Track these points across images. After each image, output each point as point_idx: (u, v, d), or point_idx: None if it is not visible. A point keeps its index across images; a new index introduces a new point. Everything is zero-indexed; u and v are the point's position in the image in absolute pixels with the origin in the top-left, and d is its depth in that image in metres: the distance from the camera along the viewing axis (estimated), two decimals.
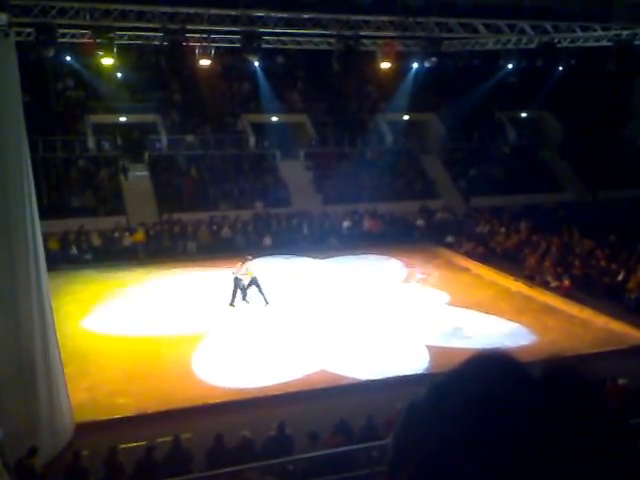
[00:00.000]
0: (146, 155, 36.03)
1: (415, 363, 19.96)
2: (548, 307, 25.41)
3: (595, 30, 27.48)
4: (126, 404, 17.42)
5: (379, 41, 30.44)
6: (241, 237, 32.32)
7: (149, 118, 37.45)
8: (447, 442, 0.97)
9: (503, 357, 1.06)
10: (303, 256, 30.98)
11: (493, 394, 0.99)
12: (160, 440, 14.48)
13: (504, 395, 0.99)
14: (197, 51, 29.66)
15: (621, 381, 16.42)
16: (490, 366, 1.05)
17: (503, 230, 33.27)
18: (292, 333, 22.11)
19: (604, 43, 27.27)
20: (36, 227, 14.84)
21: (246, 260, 24.71)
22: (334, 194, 36.08)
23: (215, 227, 32.69)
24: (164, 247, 31.16)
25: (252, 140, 38.32)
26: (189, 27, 26.55)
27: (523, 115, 43.95)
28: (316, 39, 30.87)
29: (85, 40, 27.46)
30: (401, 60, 31.65)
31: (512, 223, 33.99)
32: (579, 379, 1.02)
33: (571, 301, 25.32)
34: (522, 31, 28.41)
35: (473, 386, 1.02)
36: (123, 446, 14.35)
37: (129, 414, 16.83)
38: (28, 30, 24.59)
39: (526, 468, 0.93)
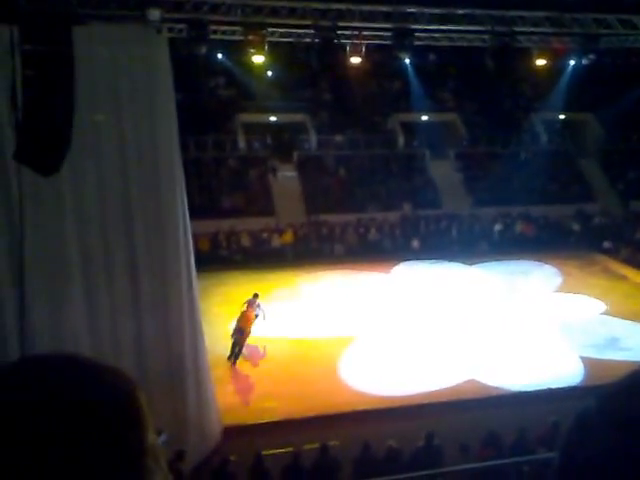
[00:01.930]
0: (295, 155, 36.15)
1: (568, 375, 19.35)
2: None
3: None
4: (274, 408, 17.55)
5: (535, 37, 29.43)
6: (388, 240, 31.97)
7: (298, 117, 37.53)
8: (622, 460, 0.92)
9: None
10: (452, 261, 30.30)
11: None
12: (307, 447, 14.44)
13: None
14: (348, 49, 29.58)
15: None
16: None
17: None
18: (441, 341, 21.70)
19: None
20: (187, 227, 14.87)
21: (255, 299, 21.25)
22: (485, 196, 35.13)
23: (362, 229, 32.47)
24: (312, 249, 31.16)
25: (401, 140, 37.88)
26: (341, 24, 26.53)
27: None
28: (469, 35, 30.13)
29: (237, 37, 27.81)
30: (557, 57, 30.43)
31: None
32: None
33: None
34: None
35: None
36: (270, 452, 14.39)
37: (276, 419, 16.97)
38: (180, 26, 24.93)
39: None
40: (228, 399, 17.58)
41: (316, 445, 14.26)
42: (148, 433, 1.11)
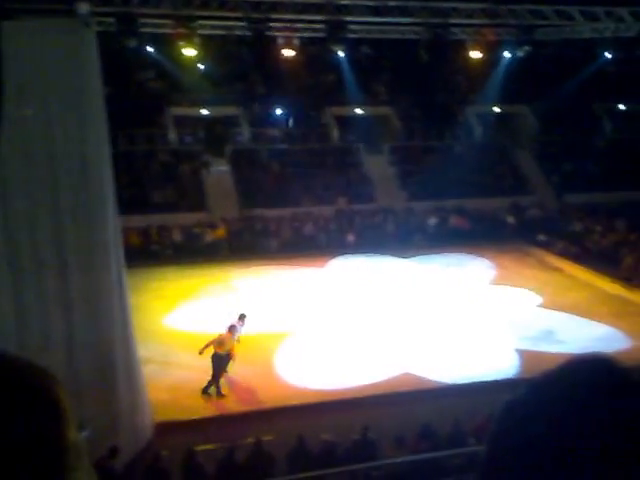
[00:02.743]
0: (228, 149, 35.68)
1: (504, 367, 19.34)
2: None
3: None
4: (207, 404, 17.33)
5: (469, 29, 29.49)
6: (323, 234, 31.73)
7: (231, 111, 37.09)
8: (547, 449, 0.95)
9: (607, 361, 1.03)
10: (387, 255, 30.15)
11: (593, 397, 0.97)
12: (241, 442, 14.41)
13: (609, 400, 0.96)
14: (280, 41, 29.35)
15: None
16: (593, 369, 1.02)
17: (599, 228, 31.93)
18: (375, 335, 21.54)
19: None
20: (116, 222, 14.81)
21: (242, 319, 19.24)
22: (420, 190, 35.12)
23: (297, 224, 32.21)
24: (245, 244, 30.74)
25: (336, 133, 37.72)
26: (273, 16, 26.31)
27: (622, 107, 42.00)
28: (403, 28, 30.11)
29: (167, 30, 27.39)
30: (492, 49, 30.55)
31: (608, 221, 32.58)
32: None
33: None
34: (620, 18, 27.17)
35: (573, 388, 0.99)
36: (204, 447, 14.37)
37: (210, 414, 16.76)
38: (109, 20, 24.53)
39: (627, 473, 0.90)
40: (161, 395, 17.25)
41: (250, 440, 14.23)
42: (69, 429, 1.08)
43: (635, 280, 26.23)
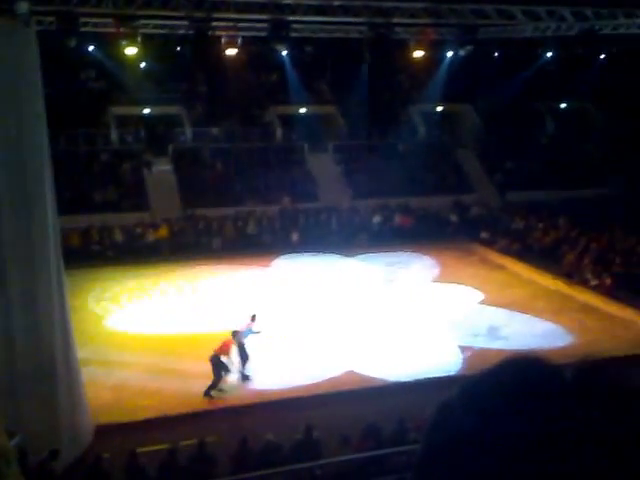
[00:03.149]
0: (170, 148, 35.35)
1: (448, 364, 19.45)
2: (588, 306, 24.70)
3: (639, 17, 26.55)
4: (149, 405, 17.12)
5: (412, 29, 29.65)
6: (267, 233, 31.59)
7: (173, 110, 36.80)
8: (477, 444, 0.97)
9: (537, 360, 1.05)
10: (331, 253, 30.15)
11: (525, 396, 0.99)
12: (184, 443, 14.33)
13: (536, 398, 0.98)
14: (223, 40, 29.19)
15: None
16: (523, 368, 1.04)
17: (540, 226, 32.34)
18: (319, 334, 21.46)
19: None
20: (56, 223, 14.74)
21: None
22: (364, 188, 35.22)
23: (241, 223, 32.02)
24: (188, 243, 30.50)
25: (279, 132, 37.62)
26: (215, 15, 26.19)
27: (563, 106, 42.75)
28: (346, 27, 30.17)
29: (108, 29, 27.06)
30: (435, 49, 30.79)
31: (550, 219, 33.03)
32: (613, 384, 1.01)
33: (612, 300, 24.56)
34: (561, 18, 27.65)
35: (505, 388, 1.01)
36: (145, 449, 14.29)
37: (152, 416, 16.50)
38: (49, 19, 24.28)
39: (555, 470, 0.92)
40: (102, 397, 17.09)
41: (193, 441, 14.17)
42: None
43: (576, 277, 26.62)
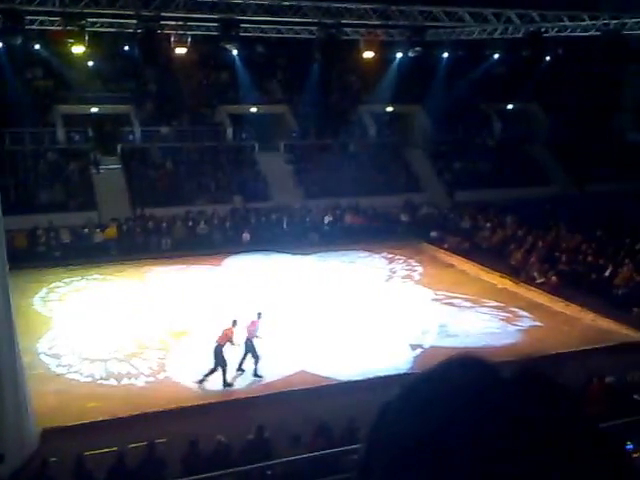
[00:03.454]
0: (119, 147, 35.00)
1: (399, 363, 19.47)
2: (534, 304, 25.03)
3: (583, 20, 27.13)
4: (96, 408, 16.80)
5: (362, 30, 29.82)
6: (218, 233, 31.44)
7: (122, 109, 36.42)
8: (415, 443, 0.97)
9: (475, 359, 1.06)
10: (283, 252, 30.14)
11: (462, 396, 0.99)
12: (132, 446, 14.14)
13: (473, 397, 0.99)
14: (173, 39, 29.01)
15: (608, 379, 16.41)
16: (462, 368, 1.05)
17: (488, 225, 32.77)
18: (270, 333, 21.25)
19: (592, 33, 26.80)
20: (0, 224, 14.50)
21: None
22: (315, 188, 35.30)
23: (191, 222, 31.79)
24: (137, 243, 30.18)
25: (230, 132, 37.41)
26: (164, 14, 26.04)
27: (510, 107, 43.28)
28: (297, 27, 30.23)
29: (55, 27, 26.73)
30: (384, 50, 31.00)
31: (498, 218, 33.54)
32: (549, 383, 1.03)
33: (558, 297, 24.98)
34: (508, 20, 28.08)
35: (443, 387, 1.02)
36: (93, 453, 13.99)
37: (99, 419, 16.18)
38: None
39: (491, 469, 0.93)
40: (48, 400, 16.80)
41: (142, 444, 13.94)
42: None
43: (523, 275, 27.02)
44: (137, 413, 16.33)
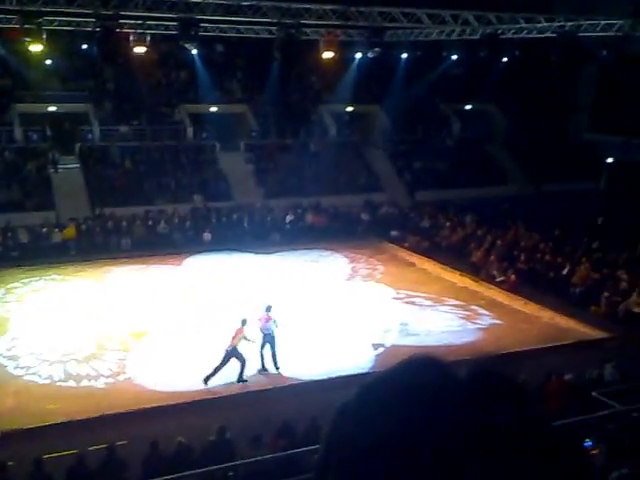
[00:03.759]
0: (77, 146, 34.65)
1: (361, 362, 19.52)
2: (494, 302, 25.24)
3: (539, 22, 27.50)
4: (56, 410, 16.57)
5: (321, 30, 29.88)
6: (179, 233, 31.28)
7: (80, 108, 36.02)
8: (370, 444, 0.99)
9: (431, 359, 1.07)
10: (244, 252, 30.07)
11: (417, 397, 1.01)
12: (92, 448, 13.91)
13: (427, 398, 1.00)
14: (132, 38, 28.81)
15: (566, 377, 16.52)
16: (417, 369, 1.06)
17: (448, 224, 33.02)
18: (232, 333, 21.18)
19: (548, 34, 27.18)
20: None
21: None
22: (276, 187, 35.30)
23: (151, 222, 31.57)
24: (96, 243, 29.90)
25: (190, 131, 37.23)
26: (123, 13, 25.83)
27: (468, 107, 43.67)
28: (257, 27, 30.22)
29: (12, 26, 26.43)
30: (344, 50, 31.09)
31: (457, 217, 33.85)
32: (502, 382, 1.04)
33: (516, 296, 25.25)
34: (466, 22, 28.35)
35: (399, 389, 1.03)
36: (52, 455, 13.76)
37: (59, 421, 15.94)
38: None
39: (444, 468, 0.94)
40: (6, 402, 16.68)
41: (102, 446, 13.72)
42: None
43: (482, 273, 27.29)
44: (97, 415, 16.09)
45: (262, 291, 25.26)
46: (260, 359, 18.86)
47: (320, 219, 33.86)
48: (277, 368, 18.90)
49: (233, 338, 18.07)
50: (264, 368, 18.91)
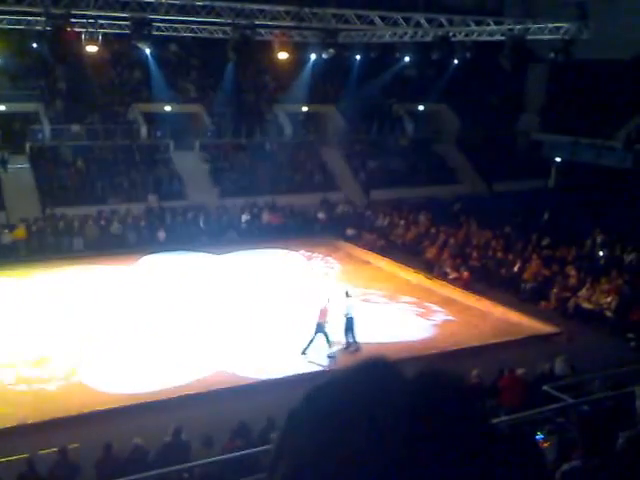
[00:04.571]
0: (27, 146, 34.18)
1: (316, 360, 19.61)
2: (447, 299, 25.58)
3: (488, 24, 27.87)
4: (6, 414, 16.28)
5: (275, 31, 29.91)
6: (133, 232, 31.04)
7: (31, 107, 35.58)
8: (315, 450, 0.99)
9: (381, 362, 1.08)
10: (200, 251, 29.99)
11: (362, 401, 1.01)
12: (44, 452, 13.77)
13: (372, 400, 1.01)
14: (83, 37, 28.48)
15: (519, 371, 16.64)
16: (364, 372, 1.06)
17: (402, 222, 33.29)
18: (187, 334, 21.20)
19: (497, 37, 27.59)
20: None
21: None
22: (231, 187, 35.26)
23: (103, 222, 31.23)
24: (48, 244, 29.53)
25: (144, 130, 36.91)
26: (74, 12, 25.50)
27: (420, 108, 44.02)
28: (211, 27, 30.11)
29: None
30: (298, 51, 31.16)
31: (411, 215, 34.10)
32: (448, 382, 1.05)
33: (469, 292, 25.61)
34: (418, 24, 28.63)
35: (345, 393, 1.03)
36: (2, 460, 13.64)
37: (9, 425, 15.70)
38: None
39: (389, 472, 0.95)
40: None
41: (54, 449, 13.53)
42: None
43: (436, 270, 27.60)
44: (48, 418, 15.89)
45: (217, 291, 25.28)
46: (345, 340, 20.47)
47: (276, 218, 33.88)
48: (304, 353, 19.93)
49: (323, 314, 19.76)
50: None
